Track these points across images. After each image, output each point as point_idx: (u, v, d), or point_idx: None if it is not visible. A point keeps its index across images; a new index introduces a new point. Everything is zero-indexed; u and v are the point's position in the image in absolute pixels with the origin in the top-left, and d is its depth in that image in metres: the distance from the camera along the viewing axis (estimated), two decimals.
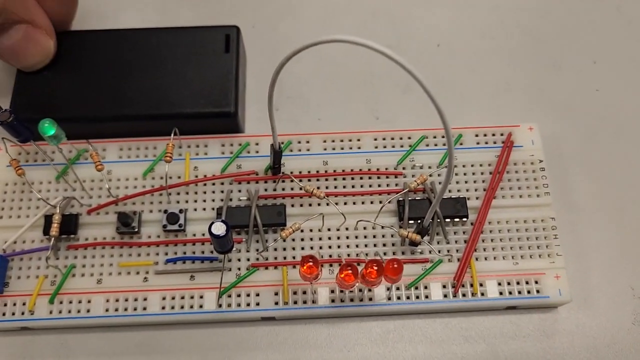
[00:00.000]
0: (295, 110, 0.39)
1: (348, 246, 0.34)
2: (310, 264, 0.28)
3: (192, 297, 0.33)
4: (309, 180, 0.35)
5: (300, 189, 0.34)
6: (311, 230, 0.34)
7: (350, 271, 0.28)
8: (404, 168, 0.36)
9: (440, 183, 0.35)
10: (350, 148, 0.36)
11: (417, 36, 0.42)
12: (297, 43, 0.41)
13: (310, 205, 0.35)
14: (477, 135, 0.36)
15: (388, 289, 0.32)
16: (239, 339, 0.33)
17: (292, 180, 0.35)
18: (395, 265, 0.28)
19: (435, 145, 0.36)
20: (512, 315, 0.34)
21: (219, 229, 0.28)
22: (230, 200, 0.34)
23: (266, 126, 0.39)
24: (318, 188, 0.33)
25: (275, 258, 0.33)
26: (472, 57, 0.41)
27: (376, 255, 0.33)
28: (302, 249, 0.34)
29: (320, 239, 0.34)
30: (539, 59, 0.41)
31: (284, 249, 0.34)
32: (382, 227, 0.34)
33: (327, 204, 0.34)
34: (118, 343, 0.33)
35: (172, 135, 0.33)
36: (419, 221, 0.33)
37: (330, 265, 0.33)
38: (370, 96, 0.40)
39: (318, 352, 0.33)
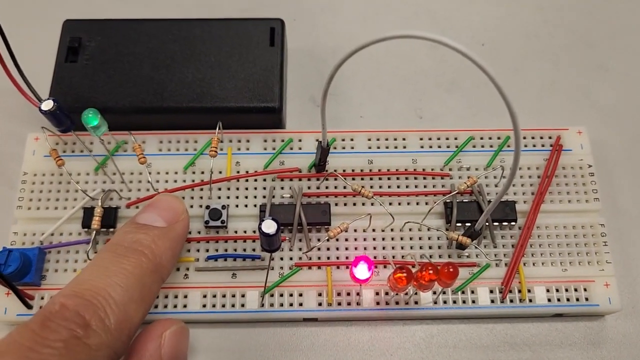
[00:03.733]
0: (337, 108, 0.39)
1: (393, 247, 0.33)
2: (402, 274, 0.27)
3: (233, 296, 0.32)
4: (354, 179, 0.34)
5: (344, 187, 0.34)
6: (356, 231, 0.33)
7: (404, 274, 0.27)
8: (450, 169, 0.35)
9: (487, 185, 0.34)
10: (396, 147, 0.35)
11: (462, 35, 0.41)
12: (339, 39, 0.41)
13: (354, 204, 0.34)
14: (524, 138, 0.36)
15: (434, 292, 0.32)
16: (280, 340, 0.33)
17: (336, 179, 0.34)
18: (451, 270, 0.27)
19: (482, 146, 0.35)
20: (558, 323, 0.33)
21: (270, 226, 0.27)
22: (273, 197, 0.34)
23: (306, 122, 0.38)
24: (363, 187, 0.32)
25: (319, 258, 0.33)
26: (517, 57, 0.41)
27: (422, 258, 0.33)
28: (347, 249, 0.33)
29: (365, 239, 0.33)
30: (585, 60, 0.41)
31: (328, 249, 0.33)
32: (429, 229, 0.33)
33: (372, 204, 0.33)
34: None
35: (217, 129, 0.33)
36: (467, 224, 0.33)
37: (376, 267, 0.32)
38: (413, 95, 0.39)
39: (360, 355, 0.32)
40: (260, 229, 0.27)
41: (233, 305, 0.32)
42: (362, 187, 0.32)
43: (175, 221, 0.29)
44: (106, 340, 0.23)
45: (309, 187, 0.34)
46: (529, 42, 0.41)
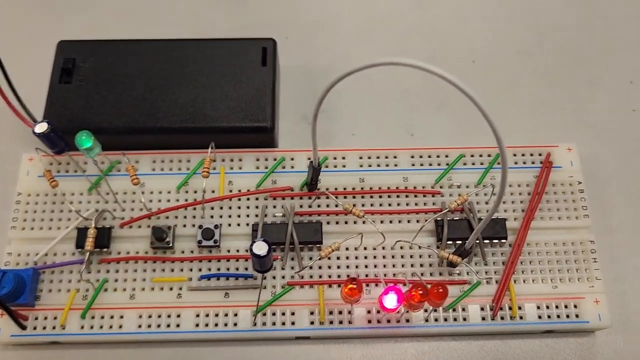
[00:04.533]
0: (329, 125, 0.39)
1: (385, 266, 0.33)
2: (353, 286, 0.28)
3: (226, 315, 0.32)
4: (345, 198, 0.34)
5: (336, 206, 0.34)
6: (347, 249, 0.33)
7: (395, 295, 0.28)
8: (441, 187, 0.35)
9: (478, 203, 0.35)
10: (387, 165, 0.36)
11: (453, 52, 0.41)
12: (332, 57, 0.41)
13: (346, 223, 0.34)
14: (515, 155, 0.36)
15: (426, 310, 0.32)
16: (273, 358, 0.33)
17: (327, 197, 0.34)
18: (441, 290, 0.27)
19: (473, 164, 0.36)
20: (549, 339, 0.33)
21: (261, 248, 0.27)
22: (265, 216, 0.34)
23: (298, 140, 0.39)
24: (354, 206, 0.33)
25: (311, 277, 0.33)
26: (507, 74, 0.41)
27: (414, 276, 0.33)
28: (338, 267, 0.33)
29: (356, 257, 0.33)
30: (575, 77, 0.41)
31: (320, 267, 0.33)
32: (420, 247, 0.33)
33: (363, 222, 0.34)
34: None
35: (210, 149, 0.33)
36: (458, 242, 0.33)
37: (367, 285, 0.33)
38: (404, 112, 0.40)
39: None
40: (251, 250, 0.27)
41: (226, 325, 0.32)
42: (354, 205, 0.32)
43: None
44: None
45: (301, 206, 0.34)
46: (519, 59, 0.42)
